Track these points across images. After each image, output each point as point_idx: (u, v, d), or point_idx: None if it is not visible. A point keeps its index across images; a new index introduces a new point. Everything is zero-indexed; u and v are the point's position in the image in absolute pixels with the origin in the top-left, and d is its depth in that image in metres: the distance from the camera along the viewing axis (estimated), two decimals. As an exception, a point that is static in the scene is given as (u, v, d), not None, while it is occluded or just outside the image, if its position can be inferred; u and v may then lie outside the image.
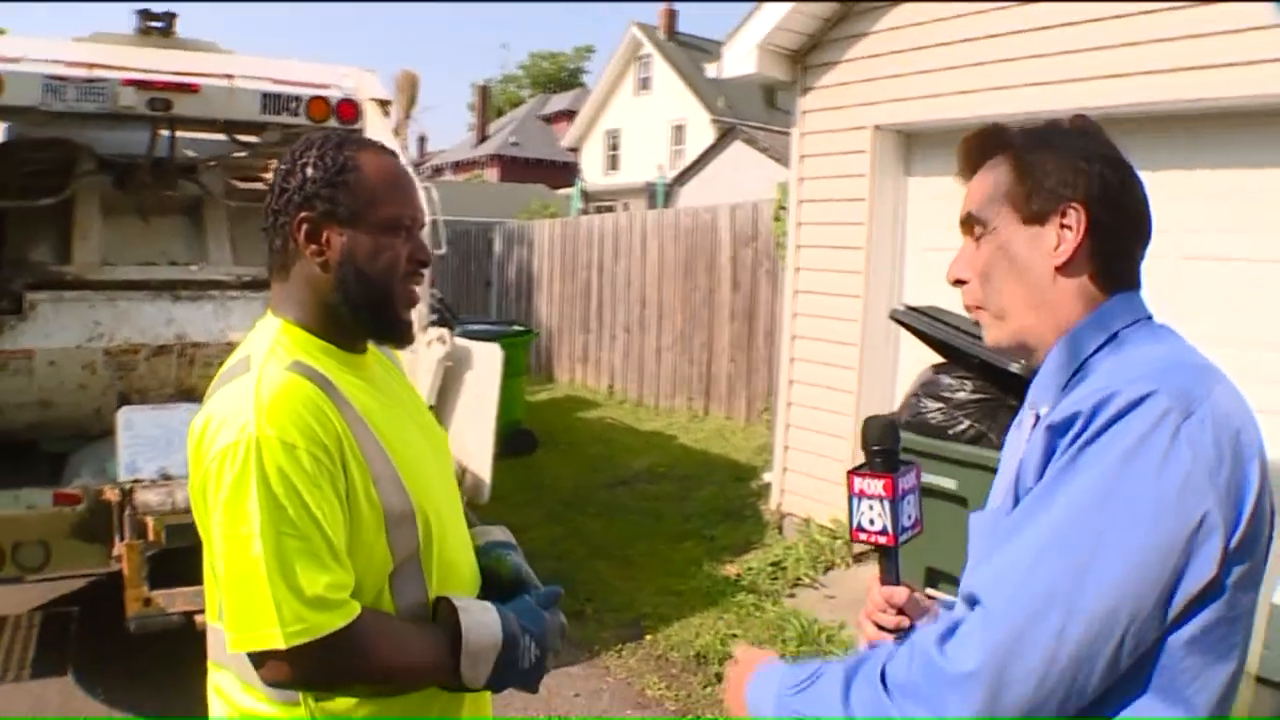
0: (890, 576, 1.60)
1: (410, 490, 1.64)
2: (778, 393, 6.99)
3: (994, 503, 1.52)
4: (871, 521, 1.57)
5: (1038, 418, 1.47)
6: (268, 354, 1.60)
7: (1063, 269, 1.39)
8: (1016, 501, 1.35)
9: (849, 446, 6.15)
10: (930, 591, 4.21)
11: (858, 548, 6.11)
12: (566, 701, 4.47)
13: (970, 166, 1.52)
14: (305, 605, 1.46)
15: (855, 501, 1.59)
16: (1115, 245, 1.40)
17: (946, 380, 4.20)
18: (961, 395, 4.11)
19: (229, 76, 4.78)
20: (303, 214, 1.62)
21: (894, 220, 6.10)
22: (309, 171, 1.63)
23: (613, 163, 34.91)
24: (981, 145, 1.51)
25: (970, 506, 3.98)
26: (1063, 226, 1.38)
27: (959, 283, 1.52)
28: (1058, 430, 1.27)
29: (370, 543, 1.59)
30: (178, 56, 4.91)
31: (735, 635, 5.03)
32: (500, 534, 1.99)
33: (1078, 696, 1.19)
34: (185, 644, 3.91)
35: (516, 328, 10.72)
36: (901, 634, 1.56)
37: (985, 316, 1.49)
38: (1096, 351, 1.38)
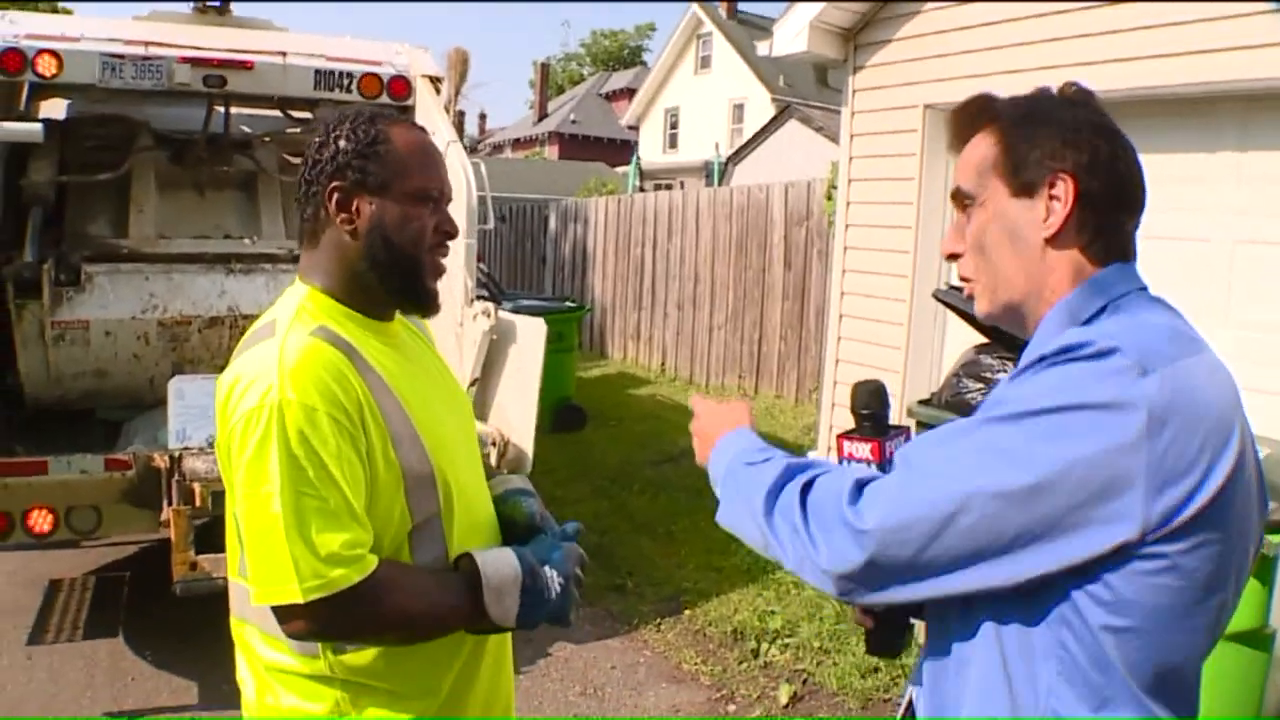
0: None
1: (431, 453, 1.69)
2: (824, 371, 6.97)
3: None
4: None
5: None
6: (293, 319, 1.65)
7: (1052, 240, 1.37)
8: None
9: (894, 427, 6.12)
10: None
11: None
12: (603, 674, 4.53)
13: (960, 139, 1.50)
14: (321, 561, 1.51)
15: (845, 465, 1.59)
16: (1105, 216, 1.38)
17: (988, 361, 4.16)
18: (1003, 376, 4.06)
19: (282, 54, 4.87)
20: (334, 183, 1.68)
21: (943, 200, 6.03)
22: (341, 144, 1.69)
23: (672, 141, 34.79)
24: (970, 117, 1.48)
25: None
26: (1051, 198, 1.37)
27: (953, 256, 1.51)
28: (1025, 366, 1.28)
29: (389, 502, 1.64)
30: (232, 34, 5.01)
31: (773, 612, 5.06)
32: (519, 481, 2.03)
33: (942, 583, 1.26)
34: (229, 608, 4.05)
35: (569, 304, 10.77)
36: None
37: (977, 289, 1.48)
38: (1093, 318, 1.36)
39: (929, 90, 5.82)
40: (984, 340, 4.46)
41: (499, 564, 1.69)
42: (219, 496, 3.98)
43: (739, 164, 22.79)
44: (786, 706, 4.24)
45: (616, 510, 7.00)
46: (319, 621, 1.55)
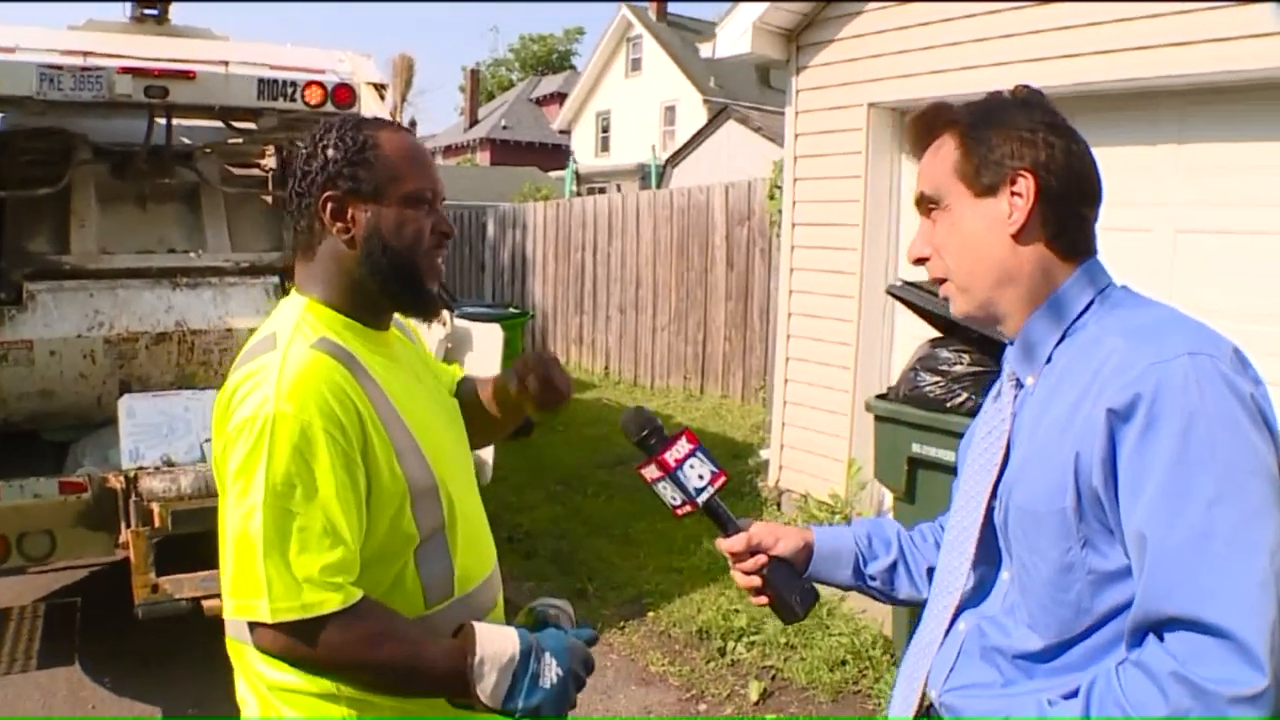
0: (727, 530, 1.71)
1: (432, 464, 1.67)
2: (775, 370, 7.03)
3: (979, 470, 1.55)
4: (674, 498, 1.69)
5: (1019, 386, 1.52)
6: (293, 331, 1.63)
7: (1018, 236, 1.44)
8: (1078, 492, 1.34)
9: (847, 422, 6.20)
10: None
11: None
12: (571, 678, 4.51)
13: (919, 146, 1.56)
14: (297, 583, 1.48)
15: (656, 489, 1.70)
16: (1066, 209, 1.44)
17: (944, 354, 4.21)
18: (960, 368, 4.13)
19: (224, 63, 4.78)
20: (327, 193, 1.66)
21: (889, 197, 6.12)
22: (330, 152, 1.67)
23: (604, 145, 34.80)
24: (928, 124, 1.54)
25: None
26: (1013, 194, 1.43)
27: (920, 261, 1.57)
28: (1121, 416, 1.28)
29: (394, 517, 1.61)
30: (172, 43, 4.91)
31: (737, 610, 5.08)
32: (559, 601, 1.89)
33: None
34: (191, 630, 3.95)
35: (512, 310, 10.73)
36: (765, 570, 1.69)
37: (952, 289, 1.53)
38: (1084, 312, 1.44)
39: (872, 89, 5.90)
40: (938, 335, 4.53)
41: (496, 636, 1.59)
42: (179, 516, 3.91)
43: (677, 166, 22.88)
44: (757, 703, 4.27)
45: (572, 514, 6.99)
46: (286, 644, 1.51)
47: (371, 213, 1.67)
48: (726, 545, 1.70)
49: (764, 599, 1.71)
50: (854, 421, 6.15)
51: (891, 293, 4.62)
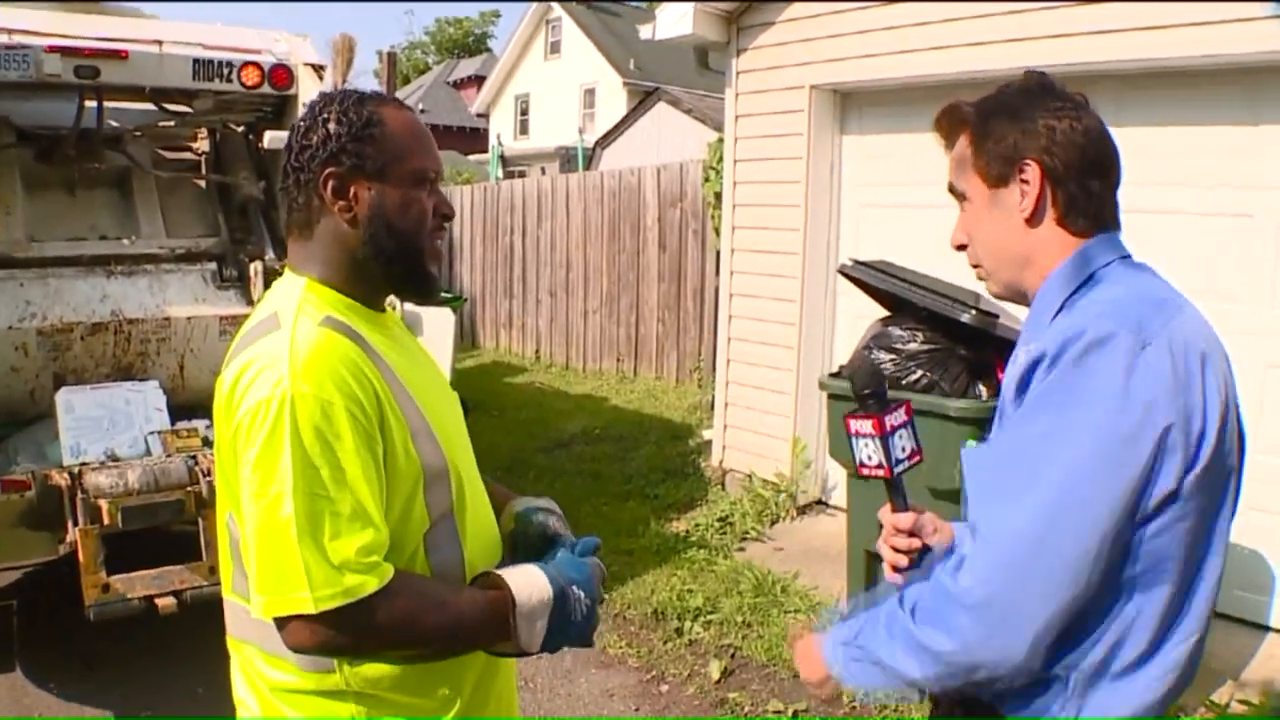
0: (898, 505, 1.73)
1: (444, 446, 1.63)
2: (717, 351, 7.05)
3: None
4: (870, 457, 1.70)
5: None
6: (298, 310, 1.57)
7: (1031, 220, 1.55)
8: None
9: (791, 401, 6.25)
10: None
11: (802, 499, 6.23)
12: (530, 664, 4.48)
13: (949, 141, 1.67)
14: (336, 569, 1.43)
15: (853, 441, 1.72)
16: (1074, 188, 1.53)
17: (897, 332, 4.27)
18: (913, 346, 4.19)
19: (158, 42, 4.63)
20: (329, 169, 1.60)
21: (830, 178, 6.17)
22: (332, 127, 1.61)
23: (523, 127, 34.54)
24: (952, 122, 1.65)
25: (924, 453, 4.07)
26: (1022, 183, 1.53)
27: (961, 247, 1.68)
28: (1032, 365, 1.42)
29: (407, 500, 1.57)
30: (103, 22, 4.74)
31: (690, 590, 5.10)
32: (543, 502, 1.94)
33: (1079, 599, 1.36)
34: (139, 630, 3.85)
35: (444, 294, 10.60)
36: (916, 555, 1.71)
37: (983, 273, 1.66)
38: (1076, 291, 1.52)
39: (814, 71, 5.93)
40: (886, 314, 4.59)
41: (531, 587, 1.58)
42: (129, 513, 3.79)
43: (607, 148, 22.74)
44: (719, 681, 4.29)
45: (516, 500, 6.93)
46: (328, 633, 1.46)
47: (375, 191, 1.62)
48: (895, 520, 1.71)
49: (901, 579, 1.71)
50: (798, 401, 6.21)
51: (843, 272, 4.66)
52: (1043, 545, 1.34)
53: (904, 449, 1.70)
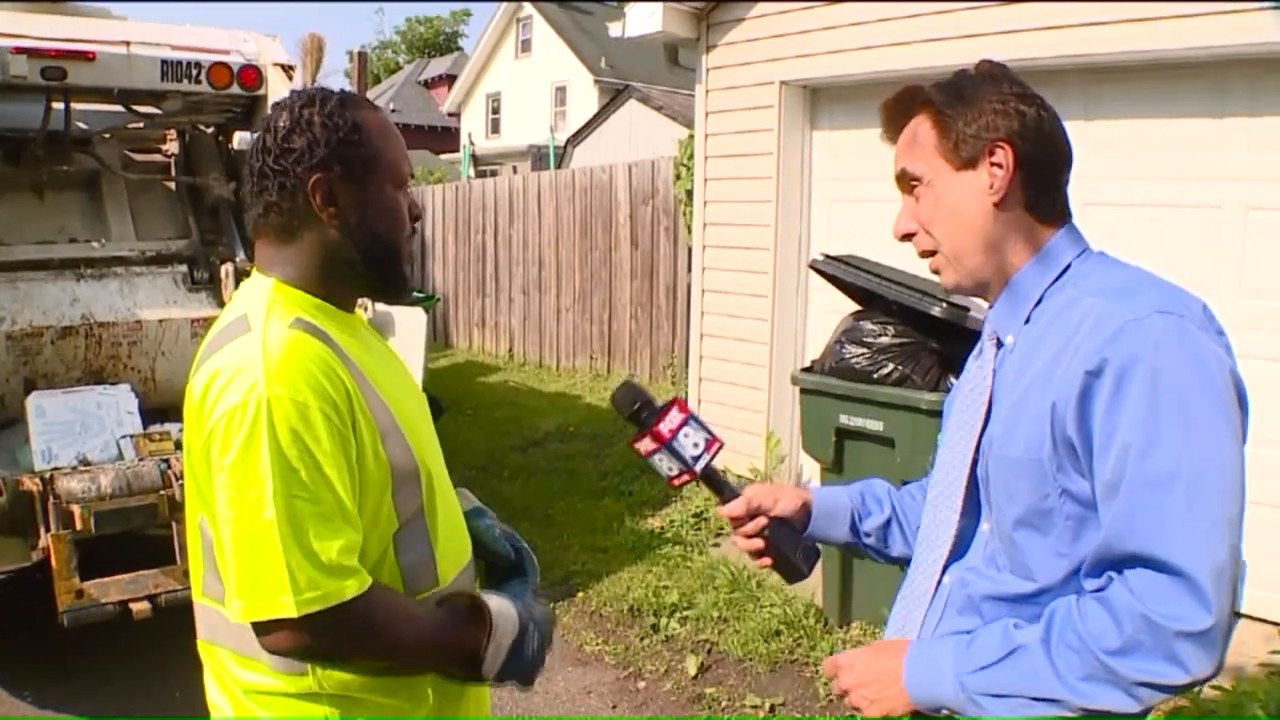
0: (725, 496, 1.75)
1: (413, 447, 1.63)
2: (690, 347, 7.07)
3: (963, 426, 1.61)
4: (670, 469, 1.71)
5: (1000, 345, 1.58)
6: (267, 311, 1.56)
7: (1000, 204, 1.50)
8: (1054, 441, 1.40)
9: (764, 396, 6.28)
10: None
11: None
12: (507, 662, 4.49)
13: (894, 127, 1.63)
14: (320, 571, 1.43)
15: (650, 461, 1.72)
16: (1044, 175, 1.51)
17: (869, 326, 4.30)
18: (884, 340, 4.22)
19: (126, 43, 4.59)
20: (317, 175, 1.59)
21: (800, 174, 6.20)
22: (319, 132, 1.59)
23: (494, 126, 34.42)
24: (902, 106, 1.62)
25: (897, 447, 4.12)
26: (993, 165, 1.49)
27: (906, 237, 1.62)
28: (1095, 371, 1.35)
29: (376, 502, 1.57)
30: (69, 23, 4.69)
31: (666, 586, 5.11)
32: (470, 496, 1.96)
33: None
34: (114, 636, 3.81)
35: (417, 294, 10.57)
36: (766, 530, 1.73)
37: (940, 261, 1.59)
38: (1054, 283, 1.51)
39: (784, 67, 5.96)
40: (859, 308, 4.62)
41: (504, 618, 1.62)
42: (102, 517, 3.76)
43: (578, 146, 22.70)
44: (696, 677, 4.31)
45: (491, 498, 6.80)
46: (308, 637, 1.47)
47: (361, 196, 1.62)
48: (727, 510, 1.73)
49: (767, 561, 1.74)
50: (771, 395, 6.24)
51: (814, 267, 4.68)
52: (1236, 554, 1.31)
53: (695, 444, 1.70)
